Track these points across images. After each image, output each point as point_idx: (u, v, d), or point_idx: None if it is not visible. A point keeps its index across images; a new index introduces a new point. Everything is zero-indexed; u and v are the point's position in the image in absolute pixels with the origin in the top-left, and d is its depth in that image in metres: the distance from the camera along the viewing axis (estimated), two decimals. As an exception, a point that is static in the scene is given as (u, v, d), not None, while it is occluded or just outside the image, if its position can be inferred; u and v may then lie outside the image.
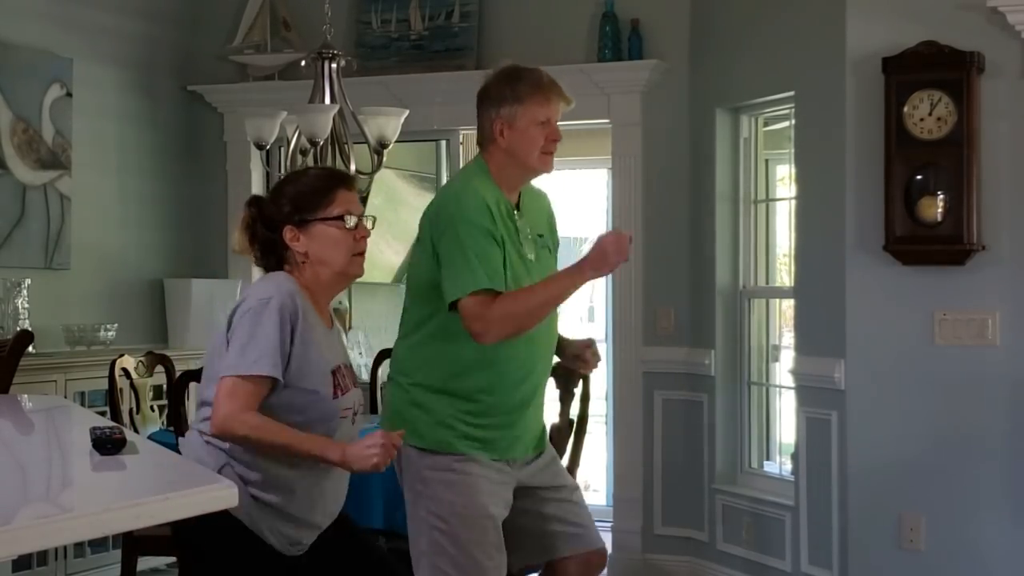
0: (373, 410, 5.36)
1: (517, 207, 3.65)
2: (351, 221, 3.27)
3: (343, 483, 3.34)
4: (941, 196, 4.92)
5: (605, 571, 6.17)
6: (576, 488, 3.87)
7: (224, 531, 3.11)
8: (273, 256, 3.30)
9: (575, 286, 3.53)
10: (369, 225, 3.35)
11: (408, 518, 3.61)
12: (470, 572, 3.51)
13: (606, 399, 7.20)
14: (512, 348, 3.53)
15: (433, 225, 3.55)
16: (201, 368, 4.59)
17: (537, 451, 3.71)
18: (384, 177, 7.02)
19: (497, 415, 3.57)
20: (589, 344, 3.79)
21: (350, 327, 7.56)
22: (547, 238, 3.75)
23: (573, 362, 3.80)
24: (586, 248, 3.55)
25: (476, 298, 3.43)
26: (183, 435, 3.46)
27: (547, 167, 3.67)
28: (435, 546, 3.51)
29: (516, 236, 3.59)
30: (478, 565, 3.51)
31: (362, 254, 3.32)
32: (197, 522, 3.08)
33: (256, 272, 6.94)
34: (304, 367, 3.16)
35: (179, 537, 3.32)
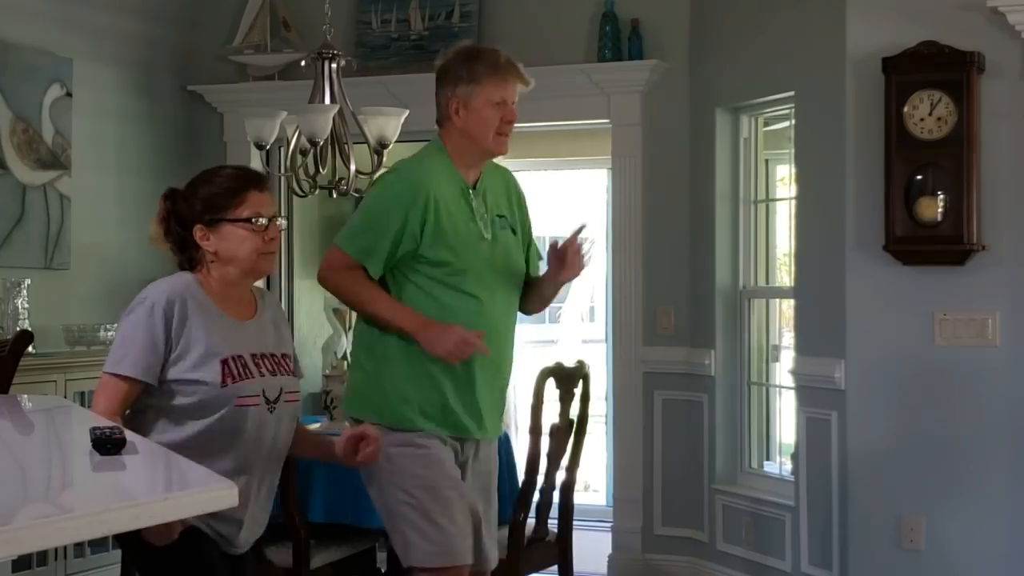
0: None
1: (474, 187, 3.68)
2: (261, 222, 3.33)
3: (266, 482, 3.40)
4: (941, 196, 4.92)
5: (605, 571, 6.21)
6: (494, 505, 3.87)
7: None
8: (187, 253, 3.39)
9: (390, 323, 3.64)
10: (283, 224, 3.46)
11: (376, 496, 3.66)
12: (440, 541, 3.56)
13: (606, 399, 7.20)
14: (466, 312, 3.62)
15: (374, 184, 3.73)
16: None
17: (488, 436, 3.75)
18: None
19: (446, 378, 3.62)
20: (571, 242, 3.73)
21: (349, 327, 7.56)
22: (509, 218, 3.77)
23: (558, 268, 3.76)
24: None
25: (343, 254, 3.64)
26: None
27: (502, 148, 3.71)
28: (403, 519, 3.58)
29: (470, 214, 3.64)
30: (446, 533, 3.57)
31: (272, 253, 3.38)
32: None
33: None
34: (185, 358, 3.25)
35: (122, 542, 3.39)
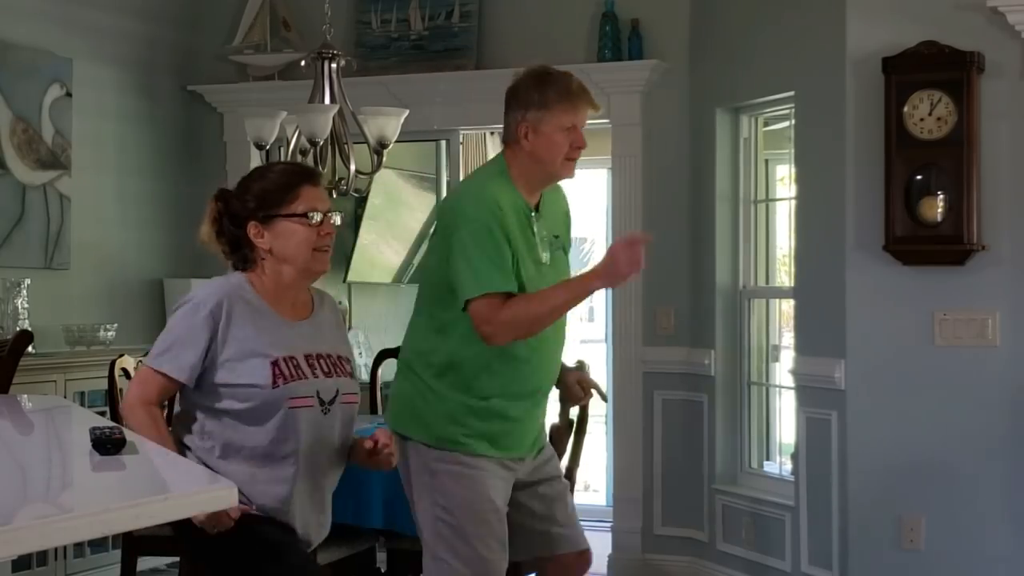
0: (373, 410, 5.36)
1: (536, 208, 3.64)
2: (316, 217, 3.28)
3: (322, 493, 3.36)
4: (941, 196, 4.92)
5: (605, 571, 6.21)
6: (567, 486, 3.87)
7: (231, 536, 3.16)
8: (240, 252, 3.34)
9: (582, 296, 3.55)
10: (337, 221, 3.36)
11: (414, 509, 3.61)
12: (474, 565, 3.51)
13: (606, 399, 7.19)
14: (524, 349, 3.54)
15: (447, 221, 3.56)
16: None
17: (538, 448, 3.72)
18: (384, 177, 7.02)
19: (506, 414, 3.57)
20: (579, 378, 3.79)
21: (350, 327, 7.56)
22: (563, 238, 3.75)
23: (566, 394, 3.83)
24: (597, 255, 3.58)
25: (487, 300, 3.44)
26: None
27: (569, 173, 3.67)
28: (439, 538, 3.52)
29: (532, 239, 3.58)
30: (481, 559, 3.52)
31: (326, 250, 3.32)
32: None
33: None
34: (235, 360, 3.21)
35: (183, 534, 3.32)
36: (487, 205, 3.49)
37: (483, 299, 3.44)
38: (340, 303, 7.34)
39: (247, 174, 3.44)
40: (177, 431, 3.33)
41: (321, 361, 3.31)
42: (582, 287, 3.52)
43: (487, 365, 3.53)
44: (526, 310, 3.46)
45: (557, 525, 3.72)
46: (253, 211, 3.29)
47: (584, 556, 3.79)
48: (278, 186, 3.30)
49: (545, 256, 3.62)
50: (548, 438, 3.89)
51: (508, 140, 3.65)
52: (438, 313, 3.56)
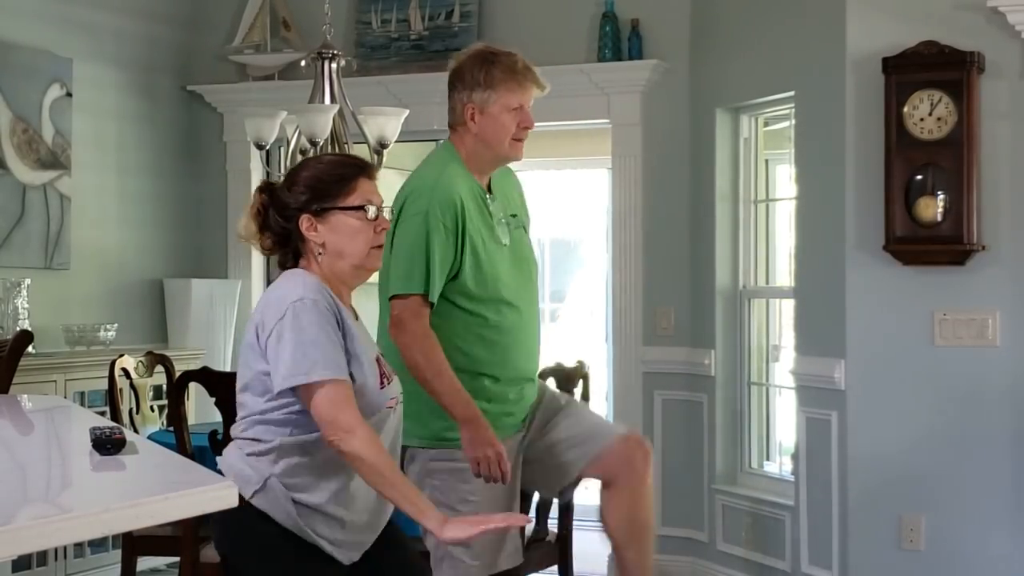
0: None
1: (489, 190, 3.63)
2: (372, 211, 3.08)
3: None
4: (941, 196, 4.92)
5: (606, 571, 6.21)
6: (571, 400, 3.87)
7: (274, 539, 3.00)
8: (289, 247, 3.11)
9: (451, 407, 3.49)
10: (388, 216, 3.19)
11: None
12: (485, 557, 3.52)
13: (606, 399, 7.20)
14: (502, 316, 3.56)
15: (402, 212, 3.53)
16: (202, 368, 4.60)
17: (531, 413, 3.74)
18: (384, 177, 6.99)
19: (500, 391, 3.58)
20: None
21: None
22: (520, 217, 3.73)
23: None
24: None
25: (415, 301, 3.45)
26: (219, 452, 3.26)
27: (518, 154, 3.63)
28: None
29: (491, 222, 3.58)
30: (490, 550, 3.53)
31: (380, 247, 3.13)
32: (243, 537, 3.02)
33: (256, 270, 6.96)
34: (352, 359, 3.01)
35: (229, 554, 3.14)
36: (445, 200, 3.48)
37: (413, 298, 3.45)
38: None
39: (297, 164, 3.24)
40: (242, 434, 3.11)
41: (381, 361, 3.17)
42: (454, 401, 3.47)
43: (475, 338, 3.54)
44: (430, 355, 3.44)
45: (584, 443, 3.71)
46: (305, 203, 3.06)
47: (631, 440, 3.77)
48: (333, 176, 3.09)
49: (505, 238, 3.62)
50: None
51: (454, 123, 3.62)
52: None
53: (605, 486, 3.79)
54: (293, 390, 2.95)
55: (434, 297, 3.47)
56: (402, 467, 3.51)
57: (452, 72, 3.63)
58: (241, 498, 2.88)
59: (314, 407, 2.92)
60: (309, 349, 2.93)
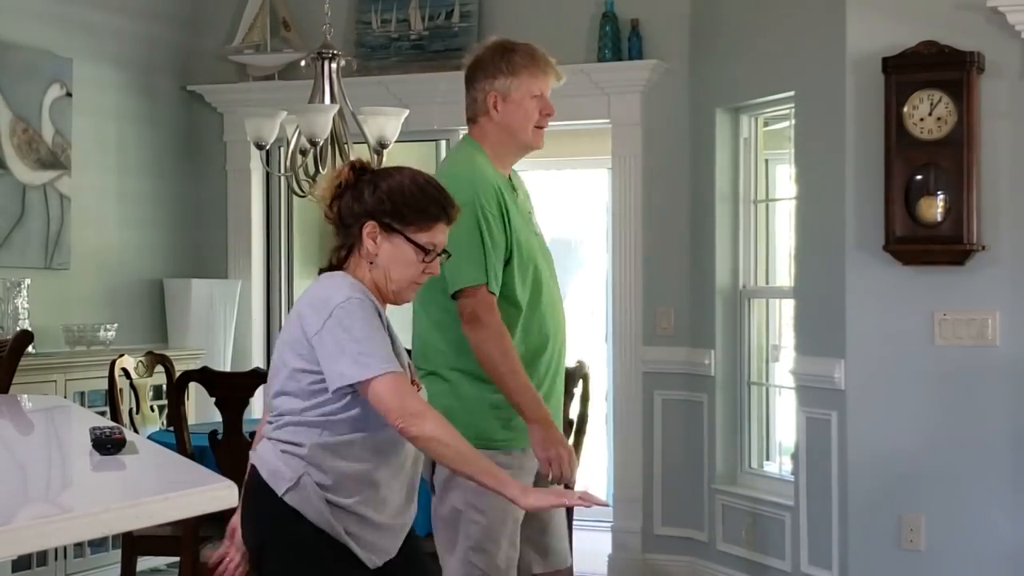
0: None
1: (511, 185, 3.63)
2: (431, 257, 3.07)
3: (416, 480, 3.18)
4: (941, 196, 4.92)
5: (606, 571, 6.21)
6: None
7: (306, 538, 2.99)
8: (347, 232, 3.07)
9: (534, 415, 3.44)
10: (442, 261, 3.13)
11: (437, 509, 3.52)
12: (500, 565, 3.47)
13: (606, 399, 7.20)
14: (538, 313, 3.52)
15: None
16: (202, 368, 4.61)
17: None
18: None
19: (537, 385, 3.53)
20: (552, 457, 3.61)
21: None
22: (533, 213, 3.73)
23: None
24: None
25: (484, 294, 3.41)
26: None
27: (540, 142, 3.62)
28: (468, 538, 3.46)
29: (524, 210, 3.58)
30: (507, 557, 3.48)
31: (419, 286, 3.13)
32: (275, 534, 3.00)
33: (256, 270, 6.96)
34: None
35: (260, 550, 3.11)
36: (488, 192, 3.45)
37: (483, 290, 3.40)
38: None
39: (393, 167, 3.16)
40: (275, 433, 3.08)
41: (411, 367, 3.18)
42: (537, 412, 3.44)
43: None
44: (503, 353, 3.39)
45: (555, 538, 3.66)
46: (381, 212, 3.04)
47: (566, 574, 3.74)
48: (418, 206, 3.05)
49: (537, 228, 3.61)
50: None
51: (475, 115, 3.59)
52: (451, 306, 3.47)
53: None
54: (351, 387, 2.94)
55: (496, 288, 3.43)
56: (432, 470, 3.48)
57: (471, 64, 3.62)
58: (273, 494, 2.95)
59: (378, 399, 2.92)
60: (364, 345, 2.93)
